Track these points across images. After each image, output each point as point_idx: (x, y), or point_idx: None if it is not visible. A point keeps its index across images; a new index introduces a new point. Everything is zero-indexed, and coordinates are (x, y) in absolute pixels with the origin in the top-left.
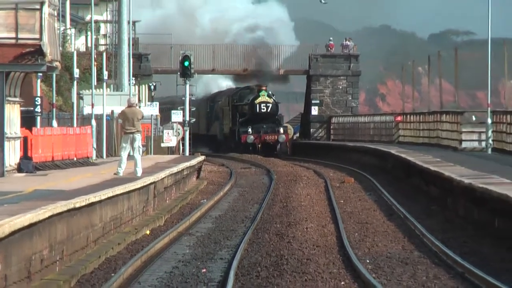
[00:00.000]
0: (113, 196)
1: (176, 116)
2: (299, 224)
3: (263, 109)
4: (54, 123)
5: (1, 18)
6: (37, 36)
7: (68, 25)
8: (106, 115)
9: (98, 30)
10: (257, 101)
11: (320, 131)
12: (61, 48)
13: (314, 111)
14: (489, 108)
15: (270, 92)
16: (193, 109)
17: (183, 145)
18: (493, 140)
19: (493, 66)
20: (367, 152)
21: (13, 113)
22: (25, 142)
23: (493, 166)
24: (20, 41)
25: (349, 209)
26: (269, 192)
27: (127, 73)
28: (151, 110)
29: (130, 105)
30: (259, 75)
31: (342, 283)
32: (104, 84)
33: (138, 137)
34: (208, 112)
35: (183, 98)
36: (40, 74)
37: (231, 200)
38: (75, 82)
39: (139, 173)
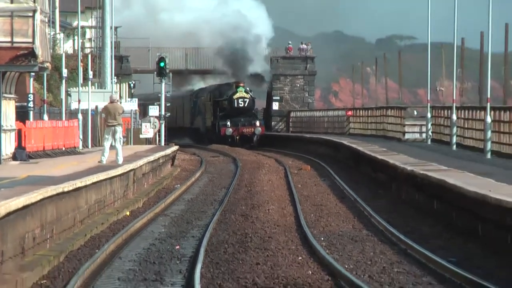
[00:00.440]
0: (97, 182)
1: (153, 110)
2: (261, 206)
3: (241, 104)
4: (45, 117)
5: None
6: (30, 40)
7: (58, 30)
8: (91, 110)
9: (84, 34)
10: (235, 96)
11: (281, 124)
12: (51, 51)
13: (275, 106)
14: (428, 104)
15: (247, 88)
16: (168, 104)
17: (159, 136)
18: (432, 132)
19: (432, 67)
20: (322, 143)
21: (8, 108)
22: (19, 134)
23: (432, 155)
24: (15, 45)
25: (306, 193)
26: (235, 178)
27: (110, 72)
28: (131, 105)
29: (112, 101)
30: (228, 74)
31: (300, 258)
32: (89, 82)
33: (119, 129)
34: (192, 107)
35: (159, 95)
36: (33, 73)
37: (202, 185)
38: (63, 81)
39: (120, 161)
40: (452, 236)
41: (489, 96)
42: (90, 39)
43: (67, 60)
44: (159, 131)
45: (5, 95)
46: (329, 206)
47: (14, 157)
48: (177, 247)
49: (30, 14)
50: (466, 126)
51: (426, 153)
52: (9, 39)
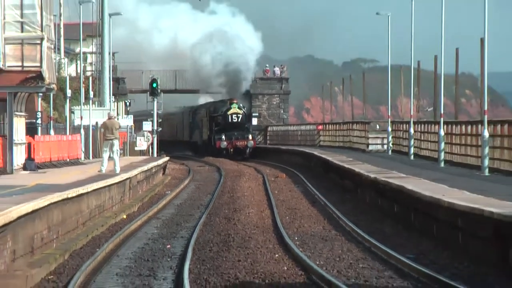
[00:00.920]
0: (97, 189)
1: (147, 126)
2: (242, 210)
3: (234, 119)
4: (52, 132)
5: (11, 50)
6: (38, 64)
7: (62, 56)
8: (92, 126)
9: (85, 59)
10: (229, 112)
11: (259, 137)
12: (56, 74)
13: (254, 121)
14: (389, 119)
15: (240, 105)
16: (160, 120)
17: (152, 148)
18: (392, 144)
19: (392, 86)
20: (296, 154)
21: (19, 124)
22: (29, 147)
23: (392, 164)
24: (25, 68)
25: (282, 198)
26: (219, 185)
27: (108, 92)
28: (127, 121)
29: (110, 118)
30: (223, 92)
31: (276, 255)
32: (90, 101)
33: (116, 142)
34: (190, 122)
35: (152, 112)
36: (41, 94)
37: (189, 192)
38: (67, 100)
39: (118, 171)
40: (410, 235)
41: (442, 112)
42: (91, 63)
43: (70, 82)
44: (152, 143)
45: (16, 113)
46: (302, 209)
47: (24, 167)
48: (168, 246)
49: (38, 41)
50: (422, 138)
51: (387, 162)
52: (19, 63)
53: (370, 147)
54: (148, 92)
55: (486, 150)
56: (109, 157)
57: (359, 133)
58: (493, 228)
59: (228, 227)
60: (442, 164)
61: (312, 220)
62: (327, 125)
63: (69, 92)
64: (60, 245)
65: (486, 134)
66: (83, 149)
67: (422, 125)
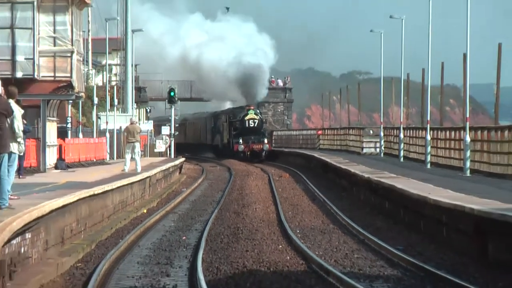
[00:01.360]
0: (120, 186)
1: (165, 130)
2: (250, 206)
3: (251, 124)
4: (80, 135)
5: (44, 62)
6: (69, 75)
7: (90, 67)
8: (116, 130)
9: (110, 70)
10: (247, 117)
11: None
12: (85, 83)
13: None
14: (381, 125)
15: (257, 111)
16: (177, 125)
17: (170, 150)
18: (384, 147)
19: (384, 96)
20: (298, 156)
21: (51, 128)
22: (60, 148)
23: (384, 165)
24: (56, 78)
25: (285, 195)
26: (229, 183)
27: (131, 100)
28: (147, 126)
29: (132, 123)
30: (240, 99)
31: (280, 246)
32: (115, 108)
33: (138, 145)
34: (212, 127)
35: (170, 118)
36: (70, 101)
37: (203, 189)
38: (94, 107)
39: (139, 170)
40: (400, 229)
41: (429, 119)
42: (115, 74)
43: (97, 91)
44: (170, 146)
45: (49, 118)
46: (303, 205)
47: (56, 167)
48: (184, 237)
49: (69, 54)
50: (410, 143)
51: (380, 164)
52: (52, 74)
53: (364, 150)
54: (167, 100)
55: (468, 153)
56: (131, 158)
57: (355, 138)
58: (473, 224)
59: (237, 221)
60: (429, 166)
61: (312, 215)
62: (326, 130)
63: (96, 100)
64: (87, 236)
65: (468, 139)
66: (108, 151)
67: (411, 131)
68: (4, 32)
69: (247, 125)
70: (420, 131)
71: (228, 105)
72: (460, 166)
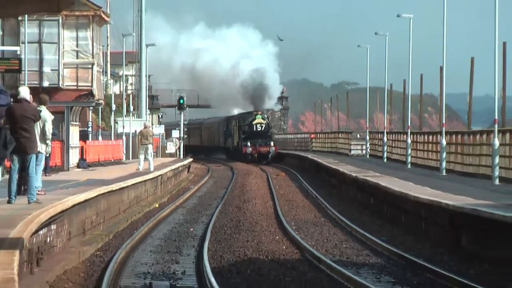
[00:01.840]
0: (135, 183)
1: (175, 133)
2: (250, 201)
3: (259, 128)
4: (100, 137)
5: (68, 73)
6: (90, 84)
7: (109, 77)
8: (132, 133)
9: (127, 80)
10: (254, 122)
11: None
12: (104, 92)
13: None
14: (367, 130)
15: (264, 115)
16: (185, 129)
17: (179, 151)
18: (369, 149)
19: (370, 104)
20: (293, 157)
21: (74, 132)
22: (81, 149)
23: (369, 165)
24: (79, 87)
25: (282, 192)
26: (232, 181)
27: (145, 107)
28: (159, 130)
29: (145, 127)
30: (248, 104)
31: (277, 237)
32: (130, 113)
33: (151, 147)
34: (225, 131)
35: (179, 122)
36: (91, 108)
37: (209, 186)
38: (112, 113)
39: (152, 169)
40: (383, 223)
41: (409, 124)
42: (131, 84)
43: (115, 98)
44: (179, 148)
45: (72, 122)
46: (297, 201)
47: (78, 166)
48: (191, 229)
49: (90, 66)
50: (393, 145)
51: (365, 164)
52: (75, 83)
53: (352, 152)
54: (176, 107)
55: (444, 155)
56: (145, 158)
57: (344, 141)
58: (448, 218)
59: (239, 215)
60: (409, 166)
61: (306, 210)
62: (318, 134)
63: (113, 106)
64: (105, 227)
65: (444, 142)
66: (124, 152)
67: (393, 135)
68: (32, 46)
69: (254, 129)
70: (402, 135)
71: (236, 111)
72: (437, 166)
